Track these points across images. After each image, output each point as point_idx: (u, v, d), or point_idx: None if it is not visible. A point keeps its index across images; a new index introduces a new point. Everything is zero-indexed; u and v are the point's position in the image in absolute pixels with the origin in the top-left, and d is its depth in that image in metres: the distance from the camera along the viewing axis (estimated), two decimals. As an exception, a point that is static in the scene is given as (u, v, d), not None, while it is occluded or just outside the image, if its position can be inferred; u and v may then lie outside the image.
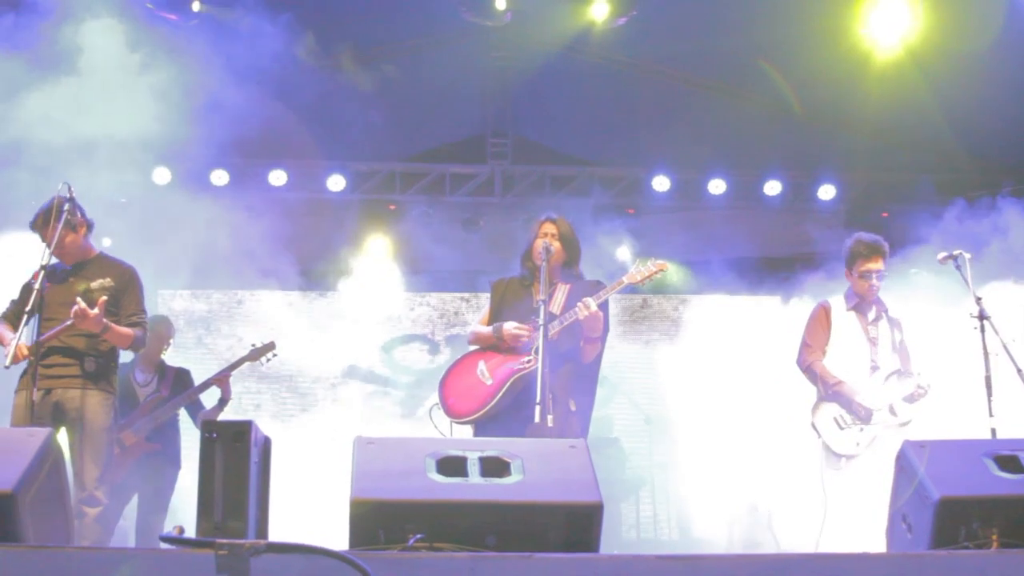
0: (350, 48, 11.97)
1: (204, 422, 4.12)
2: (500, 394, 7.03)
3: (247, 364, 9.42)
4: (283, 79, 10.77)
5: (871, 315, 8.01)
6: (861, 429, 7.64)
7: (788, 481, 9.70)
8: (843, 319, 7.99)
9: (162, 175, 12.51)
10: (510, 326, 7.25)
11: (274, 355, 9.47)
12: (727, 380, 12.34)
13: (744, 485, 11.64)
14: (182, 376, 9.47)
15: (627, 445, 13.46)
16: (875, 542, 5.31)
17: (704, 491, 13.08)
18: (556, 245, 7.39)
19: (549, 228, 7.49)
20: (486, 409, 7.03)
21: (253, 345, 9.50)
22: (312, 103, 11.43)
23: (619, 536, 13.05)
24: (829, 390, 7.76)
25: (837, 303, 8.07)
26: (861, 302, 8.00)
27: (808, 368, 7.94)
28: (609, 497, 12.53)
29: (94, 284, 7.34)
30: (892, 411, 7.69)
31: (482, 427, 7.11)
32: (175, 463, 9.16)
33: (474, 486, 4.00)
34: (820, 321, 8.03)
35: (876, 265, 7.92)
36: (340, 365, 14.01)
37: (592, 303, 7.09)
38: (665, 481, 13.35)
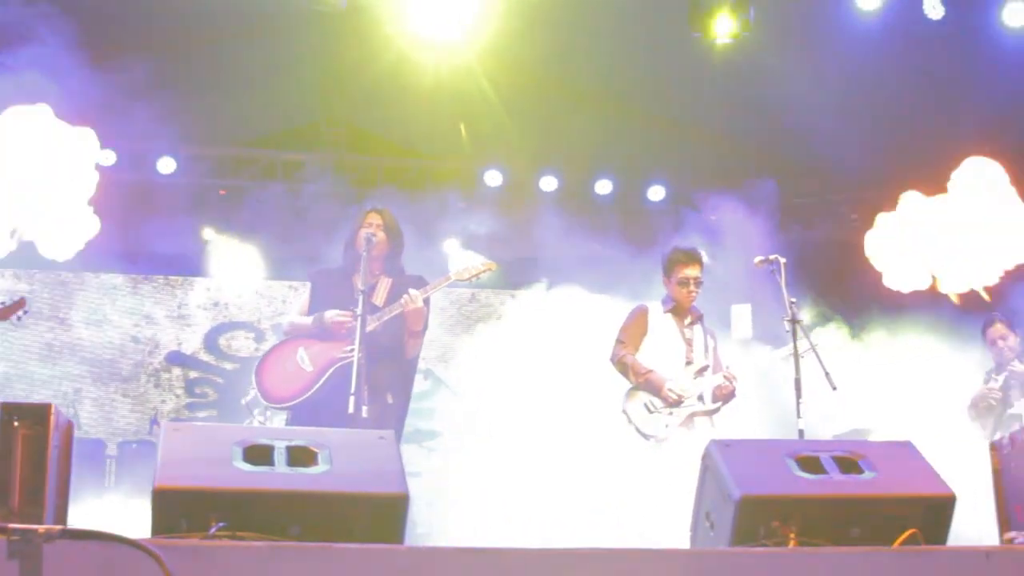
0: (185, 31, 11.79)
1: (3, 405, 4.02)
2: (319, 382, 7.00)
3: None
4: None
5: (687, 319, 8.22)
6: (671, 413, 7.82)
7: (604, 474, 9.83)
8: (660, 320, 8.20)
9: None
10: (332, 313, 7.23)
11: (25, 312, 9.12)
12: (552, 375, 12.42)
13: (562, 479, 11.74)
14: None
15: (449, 438, 13.50)
16: (683, 532, 5.41)
17: (526, 486, 13.18)
18: (380, 235, 7.39)
19: (373, 219, 7.49)
20: (303, 396, 7.00)
21: (2, 303, 9.17)
22: (147, 84, 11.24)
23: (446, 530, 13.09)
24: (640, 379, 7.95)
25: (655, 306, 8.27)
26: (678, 306, 8.20)
27: (619, 362, 8.10)
28: (430, 490, 12.67)
29: None
30: (701, 399, 7.90)
31: (298, 415, 7.08)
32: None
33: (280, 475, 3.96)
34: (637, 321, 8.22)
35: (693, 272, 8.16)
36: (163, 351, 13.80)
37: (418, 297, 7.12)
38: (486, 475, 13.40)
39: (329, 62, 13.34)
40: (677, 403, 7.83)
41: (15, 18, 9.63)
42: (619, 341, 8.20)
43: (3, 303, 9.18)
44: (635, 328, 8.20)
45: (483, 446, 13.18)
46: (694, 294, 8.20)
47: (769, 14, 11.24)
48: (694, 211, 12.94)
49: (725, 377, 7.98)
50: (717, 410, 7.98)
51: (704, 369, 8.06)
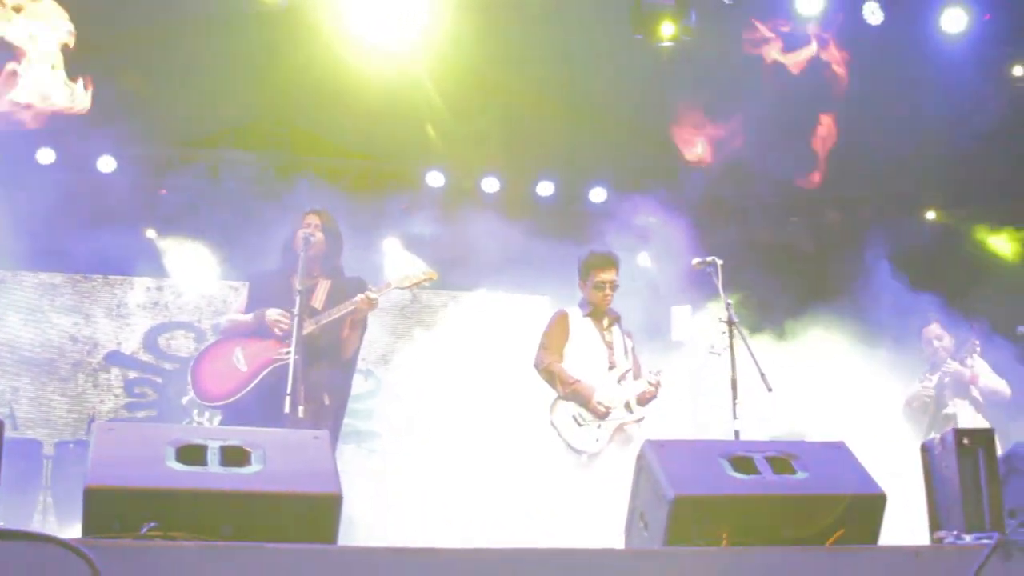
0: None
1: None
2: (254, 382, 6.98)
3: None
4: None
5: (605, 322, 8.27)
6: (599, 426, 7.84)
7: (538, 479, 9.87)
8: (580, 324, 8.23)
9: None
10: (273, 312, 7.21)
11: None
12: (491, 378, 12.45)
13: (500, 482, 11.77)
14: None
15: (389, 440, 13.50)
16: (617, 539, 5.43)
17: (465, 488, 13.19)
18: (318, 236, 7.39)
19: (312, 219, 7.49)
20: (238, 396, 6.97)
21: None
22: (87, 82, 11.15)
23: (385, 532, 13.07)
24: (567, 389, 7.95)
25: (574, 311, 8.30)
26: (595, 310, 8.24)
27: (545, 369, 8.10)
28: (369, 490, 12.64)
29: None
30: (628, 408, 7.93)
31: (233, 415, 7.05)
32: None
33: (212, 475, 3.94)
34: (559, 326, 8.25)
35: (609, 276, 8.20)
36: (102, 350, 13.70)
37: (374, 297, 7.14)
38: (425, 476, 13.40)
39: (272, 62, 13.28)
40: (605, 415, 7.87)
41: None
42: (543, 347, 8.21)
43: None
44: (557, 333, 8.22)
45: (422, 448, 13.21)
46: (610, 297, 8.26)
47: (713, 18, 11.30)
48: (635, 213, 12.98)
49: (650, 384, 8.03)
50: (643, 419, 8.03)
51: (627, 373, 8.11)
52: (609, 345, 8.17)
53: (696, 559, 3.97)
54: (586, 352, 8.13)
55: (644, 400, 8.04)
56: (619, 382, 8.02)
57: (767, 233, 14.52)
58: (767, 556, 3.99)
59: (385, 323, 13.95)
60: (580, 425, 7.86)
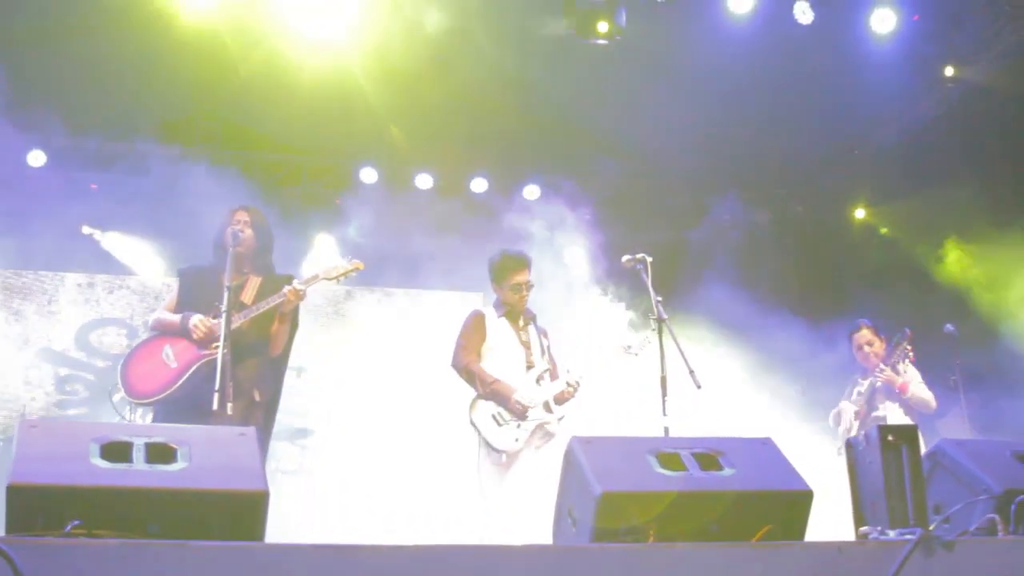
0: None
1: None
2: (183, 379, 6.94)
3: None
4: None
5: (521, 322, 8.31)
6: (519, 425, 7.86)
7: (459, 477, 9.91)
8: (496, 324, 8.27)
9: None
10: (196, 318, 7.15)
11: None
12: (425, 374, 12.45)
13: (431, 479, 11.80)
14: None
15: (322, 436, 13.46)
16: (540, 536, 5.45)
17: (389, 483, 13.19)
18: (247, 232, 7.35)
19: (241, 216, 7.45)
20: (167, 392, 6.92)
21: None
22: (16, 76, 11.07)
23: (319, 528, 13.04)
24: (487, 388, 7.98)
25: (489, 311, 8.34)
26: (511, 310, 8.27)
27: (464, 368, 8.13)
28: (303, 487, 12.62)
29: None
30: (548, 408, 7.96)
31: (164, 412, 7.01)
32: None
33: (138, 472, 3.92)
34: (475, 325, 8.28)
35: (524, 277, 8.26)
36: (33, 347, 13.56)
37: (301, 288, 7.11)
38: (359, 473, 13.39)
39: (204, 56, 13.20)
40: (523, 414, 7.88)
41: None
42: (461, 346, 8.23)
43: None
44: (474, 334, 8.24)
45: (356, 444, 13.19)
46: (526, 298, 8.33)
47: (643, 17, 11.35)
48: (568, 209, 13.03)
49: (568, 384, 8.06)
50: (563, 417, 8.06)
51: (544, 372, 8.13)
52: (526, 345, 8.20)
53: (622, 556, 3.98)
54: (503, 352, 8.16)
55: (562, 400, 8.08)
56: (537, 382, 8.05)
57: (704, 231, 14.60)
58: (693, 552, 4.01)
59: (318, 319, 13.91)
60: (500, 424, 7.88)
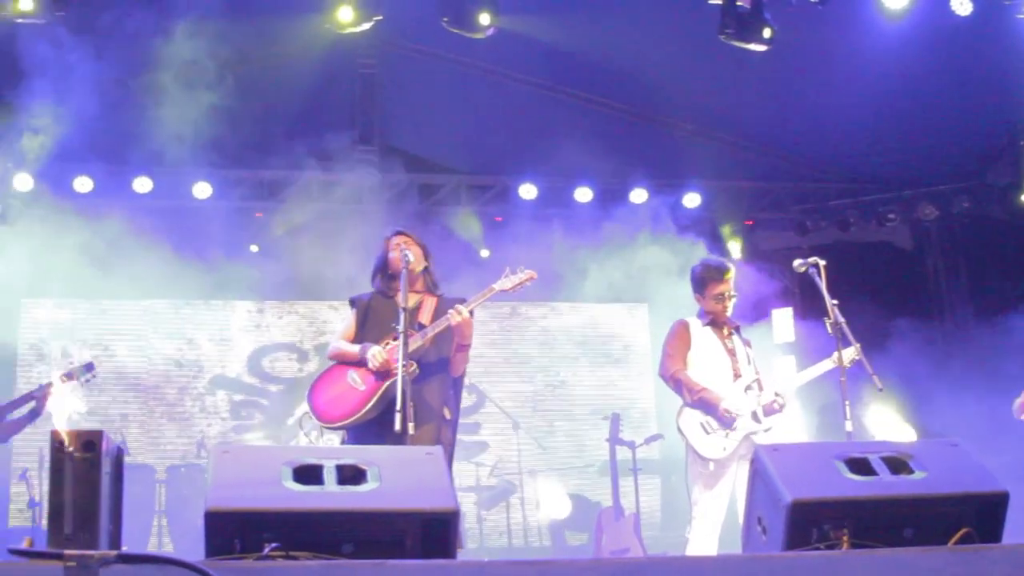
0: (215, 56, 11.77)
1: (54, 432, 4.05)
2: (373, 401, 6.97)
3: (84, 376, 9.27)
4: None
5: (725, 331, 8.24)
6: (727, 434, 7.80)
7: (655, 487, 9.87)
8: (701, 333, 8.18)
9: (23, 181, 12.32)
10: (373, 351, 7.16)
11: (93, 376, 9.33)
12: (590, 386, 12.47)
13: (611, 491, 11.74)
14: None
15: (496, 452, 13.54)
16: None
17: (574, 498, 13.21)
18: (415, 250, 7.39)
19: (401, 239, 7.49)
20: (358, 415, 6.96)
21: (70, 363, 9.40)
22: (181, 112, 11.32)
23: (488, 543, 13.11)
24: (694, 397, 7.92)
25: (693, 320, 8.26)
26: (715, 320, 8.21)
27: (672, 377, 8.07)
28: (482, 503, 12.70)
29: None
30: (755, 418, 7.87)
31: (355, 435, 7.07)
32: None
33: (330, 494, 3.98)
34: (680, 335, 8.20)
35: (726, 287, 8.16)
36: (208, 375, 13.86)
37: (464, 309, 7.12)
38: (535, 488, 13.44)
39: (360, 82, 13.41)
40: (731, 423, 7.82)
41: None
42: (668, 355, 8.18)
43: (71, 364, 9.35)
44: (680, 342, 8.17)
45: (527, 458, 13.25)
46: (728, 308, 8.23)
47: (796, 19, 11.22)
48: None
49: (777, 395, 7.98)
50: (771, 429, 7.96)
51: (753, 383, 8.05)
52: (731, 353, 8.12)
53: (818, 563, 3.92)
54: (710, 361, 8.09)
55: (770, 410, 7.99)
56: (746, 391, 7.97)
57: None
58: (890, 558, 3.93)
59: (484, 336, 13.96)
60: (708, 433, 7.84)
